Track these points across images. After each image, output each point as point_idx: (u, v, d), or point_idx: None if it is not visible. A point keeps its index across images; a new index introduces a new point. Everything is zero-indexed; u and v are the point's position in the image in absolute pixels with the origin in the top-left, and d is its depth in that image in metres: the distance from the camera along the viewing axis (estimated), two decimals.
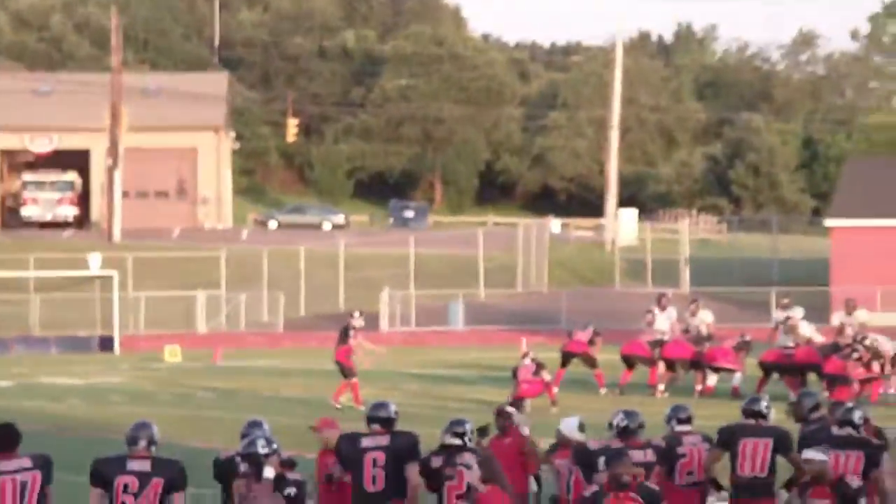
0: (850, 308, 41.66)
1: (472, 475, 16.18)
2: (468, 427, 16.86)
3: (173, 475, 15.18)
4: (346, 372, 38.39)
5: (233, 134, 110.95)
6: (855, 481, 15.42)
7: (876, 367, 37.44)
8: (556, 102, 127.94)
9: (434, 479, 16.57)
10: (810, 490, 15.21)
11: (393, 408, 17.34)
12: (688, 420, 17.99)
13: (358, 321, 39.69)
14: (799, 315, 42.03)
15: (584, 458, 16.85)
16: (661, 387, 39.84)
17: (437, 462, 16.65)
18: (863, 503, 15.22)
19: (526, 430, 19.05)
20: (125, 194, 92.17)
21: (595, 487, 15.32)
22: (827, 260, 72.17)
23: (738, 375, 39.26)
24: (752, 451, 17.45)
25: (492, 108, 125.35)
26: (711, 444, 17.80)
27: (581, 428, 17.66)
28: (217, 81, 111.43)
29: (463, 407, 36.24)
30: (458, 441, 16.73)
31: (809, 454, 15.52)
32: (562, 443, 17.81)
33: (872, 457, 16.89)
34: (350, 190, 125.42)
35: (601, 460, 16.26)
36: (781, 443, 17.45)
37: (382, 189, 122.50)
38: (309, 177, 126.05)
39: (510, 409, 19.50)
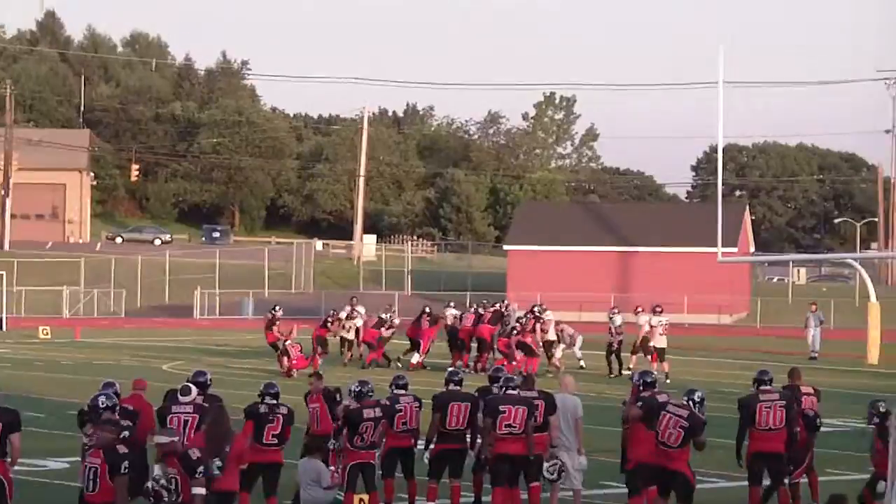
0: (507, 308, 41.97)
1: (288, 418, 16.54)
2: (277, 388, 16.83)
3: (11, 419, 14.75)
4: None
5: (91, 174, 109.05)
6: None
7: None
8: (321, 157, 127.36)
9: (259, 422, 16.49)
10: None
11: (209, 375, 17.27)
12: (404, 386, 17.82)
13: (278, 313, 39.11)
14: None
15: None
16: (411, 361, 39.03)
17: (263, 409, 16.66)
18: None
19: None
20: (13, 216, 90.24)
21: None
22: (505, 273, 72.77)
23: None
24: (457, 411, 17.42)
25: (276, 160, 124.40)
26: (422, 404, 17.65)
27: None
28: (81, 136, 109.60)
29: (251, 374, 35.98)
30: (273, 401, 16.74)
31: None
32: None
33: (530, 409, 17.02)
34: (175, 216, 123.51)
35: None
36: (475, 405, 17.53)
37: (198, 216, 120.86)
38: (145, 206, 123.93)
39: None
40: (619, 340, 38.14)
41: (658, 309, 38.13)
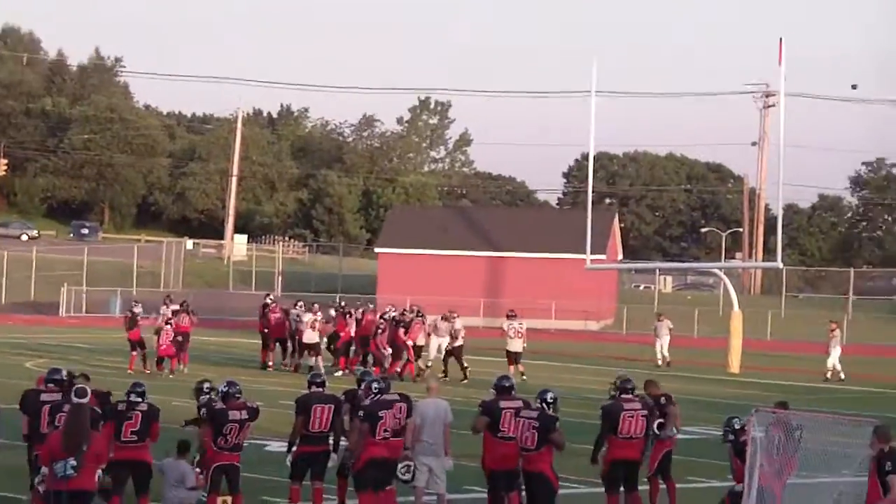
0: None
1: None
2: (144, 388, 16.80)
3: None
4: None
5: None
6: None
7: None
8: (194, 156, 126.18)
9: (118, 419, 16.45)
10: None
11: (65, 372, 17.19)
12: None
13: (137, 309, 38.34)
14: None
15: None
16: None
17: (121, 407, 16.62)
18: None
19: None
20: None
21: None
22: (375, 276, 72.65)
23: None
24: (320, 413, 17.25)
25: (148, 158, 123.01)
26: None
27: None
28: None
29: (113, 371, 35.48)
30: (138, 399, 16.70)
31: None
32: None
33: (409, 410, 17.27)
34: (43, 212, 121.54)
35: None
36: (338, 407, 17.46)
37: (67, 212, 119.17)
38: (13, 201, 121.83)
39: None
40: (459, 345, 37.87)
41: (511, 313, 38.37)
